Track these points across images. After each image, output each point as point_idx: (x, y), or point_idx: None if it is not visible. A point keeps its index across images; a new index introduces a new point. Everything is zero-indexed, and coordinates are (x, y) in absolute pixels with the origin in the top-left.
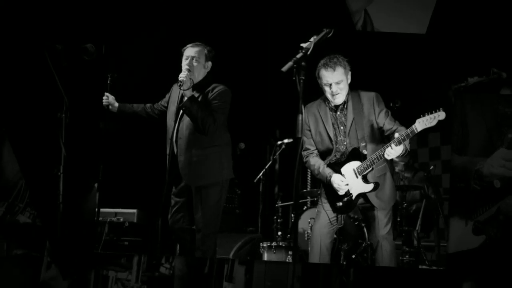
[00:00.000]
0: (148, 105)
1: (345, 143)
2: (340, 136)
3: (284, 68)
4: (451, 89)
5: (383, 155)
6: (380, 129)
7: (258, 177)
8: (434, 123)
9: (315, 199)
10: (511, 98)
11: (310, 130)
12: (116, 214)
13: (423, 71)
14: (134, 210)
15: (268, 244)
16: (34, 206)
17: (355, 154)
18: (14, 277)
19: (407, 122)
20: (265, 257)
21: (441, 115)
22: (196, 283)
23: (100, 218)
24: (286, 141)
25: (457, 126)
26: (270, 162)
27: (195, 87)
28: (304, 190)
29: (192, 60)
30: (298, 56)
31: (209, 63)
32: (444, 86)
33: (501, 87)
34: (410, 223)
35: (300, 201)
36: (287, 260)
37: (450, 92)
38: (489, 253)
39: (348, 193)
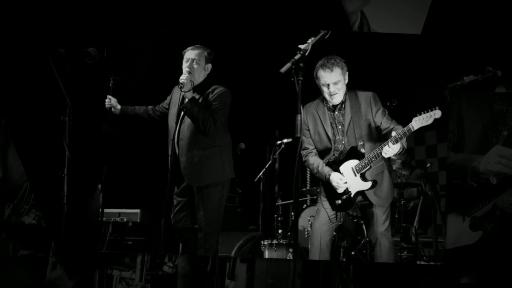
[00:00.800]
0: (150, 107)
1: (343, 142)
2: (338, 135)
3: (283, 70)
4: (446, 88)
5: (381, 153)
6: (378, 128)
7: (259, 176)
8: (430, 121)
9: (315, 197)
10: (506, 96)
11: (308, 130)
12: (119, 214)
13: (419, 70)
14: (137, 210)
15: (269, 242)
16: (39, 208)
17: (353, 153)
18: (20, 278)
19: (404, 121)
20: (266, 254)
21: (437, 113)
22: (199, 281)
23: (104, 219)
24: (285, 140)
25: (453, 124)
26: (270, 161)
27: (196, 89)
28: (304, 189)
29: (193, 62)
30: (296, 57)
31: (209, 65)
32: (439, 85)
33: (496, 85)
34: (408, 219)
35: (300, 199)
36: (287, 258)
37: (446, 91)
38: (486, 248)
39: (346, 191)
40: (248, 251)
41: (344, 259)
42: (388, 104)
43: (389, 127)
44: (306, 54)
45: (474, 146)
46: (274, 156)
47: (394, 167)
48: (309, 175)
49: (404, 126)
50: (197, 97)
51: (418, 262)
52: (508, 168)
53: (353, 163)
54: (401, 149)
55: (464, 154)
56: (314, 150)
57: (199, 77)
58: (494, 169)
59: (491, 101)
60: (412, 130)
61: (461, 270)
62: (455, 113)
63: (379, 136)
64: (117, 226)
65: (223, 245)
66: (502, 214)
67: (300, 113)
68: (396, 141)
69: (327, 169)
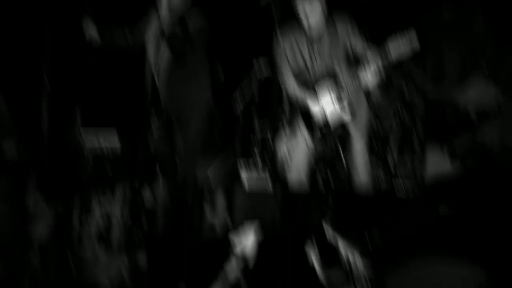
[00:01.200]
0: (127, 30)
1: (321, 72)
2: (316, 64)
3: (263, 3)
4: (425, 19)
5: (359, 82)
6: (356, 57)
7: (238, 107)
8: (408, 53)
9: (293, 126)
10: (484, 22)
11: (287, 60)
12: (100, 146)
13: None
14: (117, 141)
15: (248, 169)
16: (19, 139)
17: (332, 83)
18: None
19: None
20: (245, 183)
21: (412, 36)
22: (179, 211)
23: (85, 152)
24: (264, 71)
25: (431, 57)
26: (250, 92)
27: (175, 18)
28: (282, 119)
29: None
30: None
31: None
32: (417, 15)
33: (475, 22)
34: (386, 149)
35: (279, 128)
36: (267, 187)
37: (425, 22)
38: (465, 182)
39: (325, 121)
40: (227, 177)
41: (323, 190)
42: (365, 28)
43: (367, 53)
44: None
45: (453, 78)
46: (254, 87)
47: (371, 95)
48: (287, 104)
49: (382, 55)
50: (176, 26)
51: (396, 193)
52: (487, 103)
53: (331, 93)
54: (379, 77)
55: (443, 88)
56: (293, 80)
57: (178, 6)
58: (474, 103)
59: (469, 29)
60: (391, 61)
61: (439, 200)
62: (433, 45)
63: (357, 65)
64: (97, 158)
65: (201, 173)
66: (481, 148)
67: (279, 45)
68: (375, 70)
69: (306, 100)
